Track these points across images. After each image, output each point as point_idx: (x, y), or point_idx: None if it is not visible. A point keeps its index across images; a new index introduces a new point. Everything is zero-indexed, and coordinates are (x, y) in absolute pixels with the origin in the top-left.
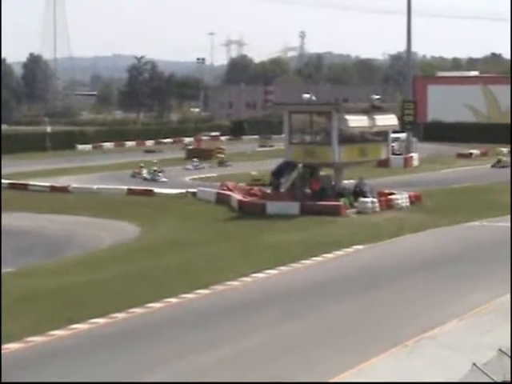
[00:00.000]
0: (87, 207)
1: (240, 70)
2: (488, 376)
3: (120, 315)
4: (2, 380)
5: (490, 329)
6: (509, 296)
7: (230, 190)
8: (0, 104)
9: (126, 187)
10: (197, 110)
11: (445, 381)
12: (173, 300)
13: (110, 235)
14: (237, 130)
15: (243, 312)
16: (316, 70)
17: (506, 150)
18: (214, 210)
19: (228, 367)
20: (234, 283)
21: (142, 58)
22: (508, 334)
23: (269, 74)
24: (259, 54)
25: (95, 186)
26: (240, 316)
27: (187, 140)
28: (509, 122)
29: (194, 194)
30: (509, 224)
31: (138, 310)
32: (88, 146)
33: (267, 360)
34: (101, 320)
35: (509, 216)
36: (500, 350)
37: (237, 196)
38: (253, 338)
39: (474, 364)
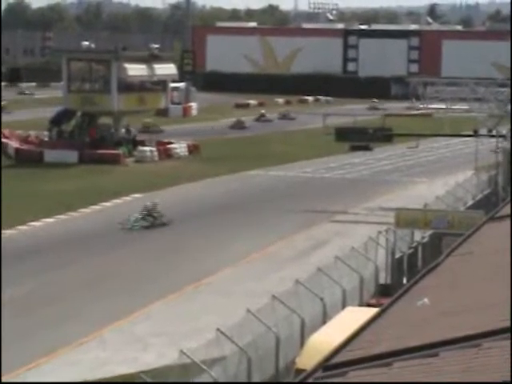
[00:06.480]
0: None
1: (17, 16)
2: (261, 321)
3: None
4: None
5: (263, 276)
6: (280, 244)
7: (7, 138)
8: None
9: None
10: None
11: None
12: None
13: None
14: (13, 77)
15: (11, 261)
16: (95, 18)
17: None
18: None
19: None
20: (9, 231)
21: None
22: (279, 280)
23: (47, 20)
24: None
25: None
26: (8, 264)
27: None
28: (284, 72)
29: None
30: (284, 173)
31: None
32: None
33: (35, 308)
34: None
35: (285, 165)
36: (273, 296)
37: (13, 144)
38: (22, 285)
39: (248, 310)
